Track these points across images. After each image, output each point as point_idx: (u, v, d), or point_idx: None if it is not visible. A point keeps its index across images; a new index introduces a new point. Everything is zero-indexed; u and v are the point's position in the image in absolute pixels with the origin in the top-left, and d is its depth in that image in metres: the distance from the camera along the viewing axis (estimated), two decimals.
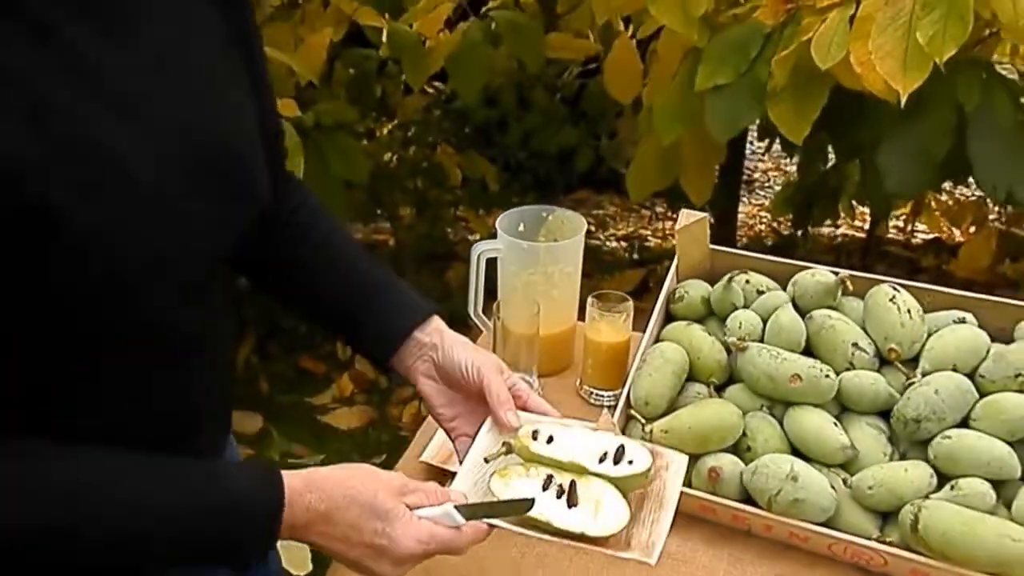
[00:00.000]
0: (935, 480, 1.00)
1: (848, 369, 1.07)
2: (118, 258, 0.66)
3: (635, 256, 3.47)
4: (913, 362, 1.07)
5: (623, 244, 3.63)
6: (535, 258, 1.17)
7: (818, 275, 1.11)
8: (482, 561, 0.98)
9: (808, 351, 1.10)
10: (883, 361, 1.09)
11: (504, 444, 0.87)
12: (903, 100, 1.44)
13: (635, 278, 3.20)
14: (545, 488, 0.82)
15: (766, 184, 4.66)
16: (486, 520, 0.80)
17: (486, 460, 0.87)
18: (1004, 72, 1.89)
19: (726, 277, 1.14)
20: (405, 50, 1.89)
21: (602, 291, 1.20)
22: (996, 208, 3.52)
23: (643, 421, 1.09)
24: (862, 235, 3.70)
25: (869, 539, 0.98)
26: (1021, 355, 1.00)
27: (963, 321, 1.08)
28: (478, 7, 2.17)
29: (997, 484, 0.98)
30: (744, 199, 4.51)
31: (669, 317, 1.19)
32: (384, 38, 1.95)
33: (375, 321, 0.94)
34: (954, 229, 3.69)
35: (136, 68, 0.68)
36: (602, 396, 1.23)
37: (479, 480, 0.85)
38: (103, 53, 0.66)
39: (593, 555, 0.81)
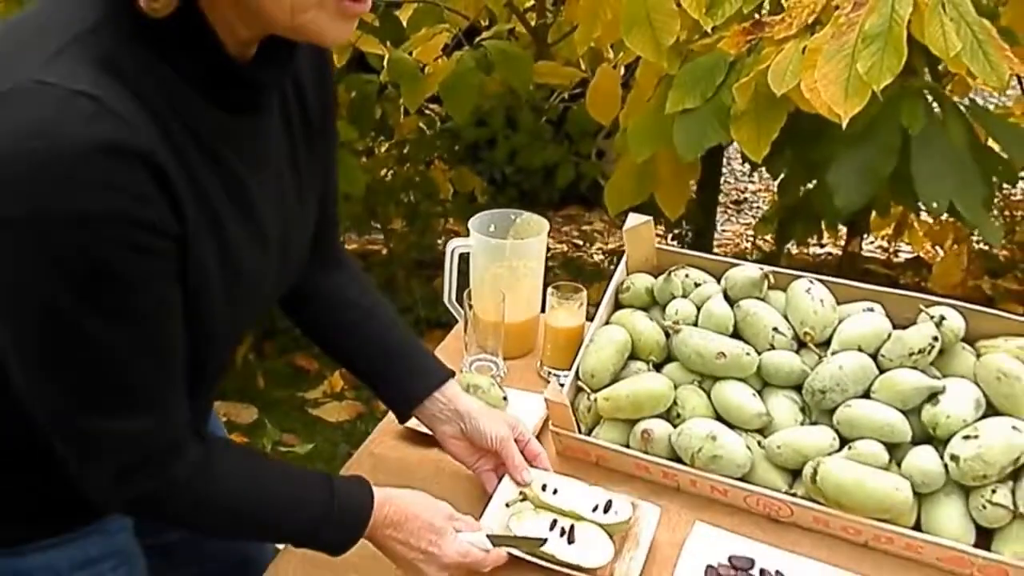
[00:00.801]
0: (837, 442, 1.15)
1: (769, 350, 1.23)
2: (230, 319, 0.91)
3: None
4: (826, 345, 1.23)
5: (609, 257, 3.80)
6: (501, 254, 1.35)
7: (746, 270, 1.27)
8: None
9: (737, 335, 1.26)
10: (801, 344, 1.25)
11: (521, 494, 1.14)
12: (844, 123, 1.60)
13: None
14: (551, 528, 1.10)
15: (755, 204, 4.83)
16: (507, 549, 1.06)
17: (507, 505, 1.14)
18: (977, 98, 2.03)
19: (668, 271, 1.30)
20: (404, 75, 2.07)
21: (560, 282, 1.37)
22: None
23: (589, 391, 1.25)
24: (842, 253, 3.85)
25: (779, 492, 1.14)
26: (915, 337, 1.16)
27: (871, 311, 1.24)
28: (473, 36, 2.37)
29: (892, 448, 1.14)
30: (733, 219, 4.68)
31: (619, 306, 1.36)
32: (385, 64, 2.13)
33: (398, 383, 1.18)
34: (937, 248, 3.84)
35: (264, 191, 0.91)
36: (558, 375, 1.40)
37: (501, 520, 1.12)
38: (247, 177, 0.88)
39: None
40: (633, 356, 1.29)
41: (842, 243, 3.95)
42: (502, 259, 1.35)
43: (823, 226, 3.25)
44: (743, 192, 4.91)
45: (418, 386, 1.17)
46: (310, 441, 2.72)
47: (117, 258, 0.74)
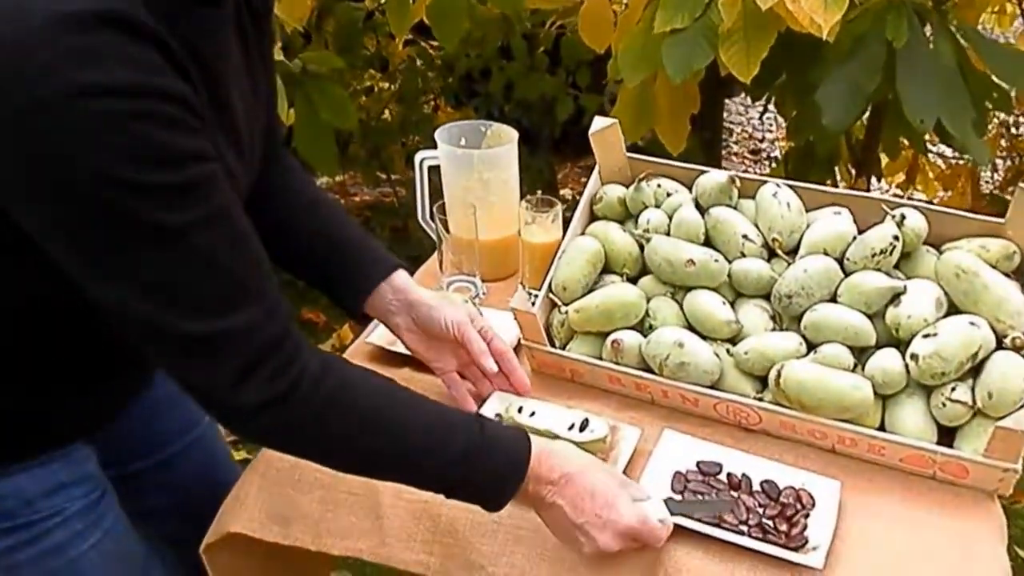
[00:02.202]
0: (804, 347, 1.15)
1: (740, 257, 1.23)
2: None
3: None
4: (796, 252, 1.23)
5: None
6: (469, 165, 1.34)
7: (714, 176, 1.26)
8: None
9: (709, 244, 1.26)
10: (772, 253, 1.24)
11: (497, 415, 1.14)
12: (825, 34, 1.58)
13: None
14: None
15: (772, 154, 4.77)
16: (685, 521, 1.00)
17: None
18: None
19: (637, 179, 1.30)
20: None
21: (533, 196, 1.37)
22: (988, 173, 3.60)
23: (561, 304, 1.25)
24: None
25: (747, 398, 1.15)
26: (876, 237, 1.15)
27: (838, 215, 1.23)
28: None
29: (859, 352, 1.14)
30: (751, 170, 4.62)
31: (594, 218, 1.35)
32: None
33: (344, 277, 1.12)
34: (949, 193, 3.77)
35: (234, 87, 0.91)
36: (537, 295, 1.39)
37: None
38: (221, 72, 0.87)
39: None
40: (608, 270, 1.29)
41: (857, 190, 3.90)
42: (471, 171, 1.35)
43: (837, 171, 3.21)
44: (760, 142, 4.84)
45: (365, 277, 1.12)
46: None
47: (161, 136, 0.74)
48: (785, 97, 2.65)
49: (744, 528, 1.02)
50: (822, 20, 1.54)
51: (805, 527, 1.02)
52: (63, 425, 1.02)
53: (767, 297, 1.22)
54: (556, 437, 1.10)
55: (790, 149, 3.28)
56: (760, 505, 1.05)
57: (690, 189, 1.30)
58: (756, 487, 1.08)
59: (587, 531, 0.94)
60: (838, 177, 3.29)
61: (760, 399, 1.15)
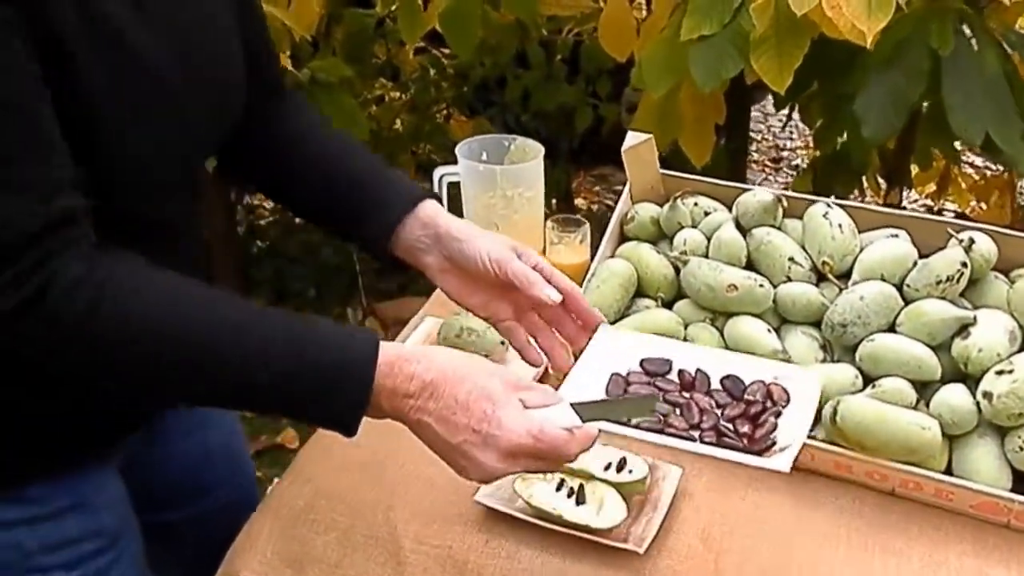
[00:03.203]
0: (860, 380, 1.05)
1: (785, 282, 1.13)
2: (137, 135, 0.76)
3: None
4: (847, 277, 1.13)
5: None
6: (492, 181, 1.25)
7: (759, 195, 1.17)
8: None
9: (751, 267, 1.16)
10: (821, 277, 1.14)
11: None
12: (869, 41, 1.48)
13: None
14: (558, 489, 0.98)
15: (793, 162, 4.67)
16: (601, 424, 0.79)
17: None
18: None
19: (673, 197, 1.20)
20: (401, 7, 1.96)
21: (560, 216, 1.27)
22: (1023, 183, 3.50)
23: None
24: None
25: None
26: (942, 263, 1.05)
27: (896, 237, 1.13)
28: None
29: (918, 386, 1.04)
30: (771, 178, 4.53)
31: (624, 239, 1.26)
32: None
33: (366, 215, 0.95)
34: (982, 204, 3.67)
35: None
36: None
37: (503, 483, 0.97)
38: None
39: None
40: (640, 294, 1.20)
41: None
42: (494, 188, 1.25)
43: (864, 180, 3.11)
44: (781, 150, 4.75)
45: (389, 213, 0.94)
46: None
47: None
48: (811, 105, 2.57)
49: (695, 433, 0.85)
50: (865, 27, 1.44)
51: (774, 427, 0.85)
52: (70, 439, 0.90)
53: (815, 324, 1.12)
54: (592, 478, 1.00)
55: (815, 158, 3.19)
56: (719, 405, 0.88)
57: (729, 208, 1.21)
58: (715, 385, 0.91)
59: (466, 452, 0.75)
60: (865, 187, 3.21)
61: (812, 436, 1.05)
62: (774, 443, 0.83)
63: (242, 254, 2.86)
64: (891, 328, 1.07)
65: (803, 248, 1.15)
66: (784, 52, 1.73)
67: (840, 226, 1.12)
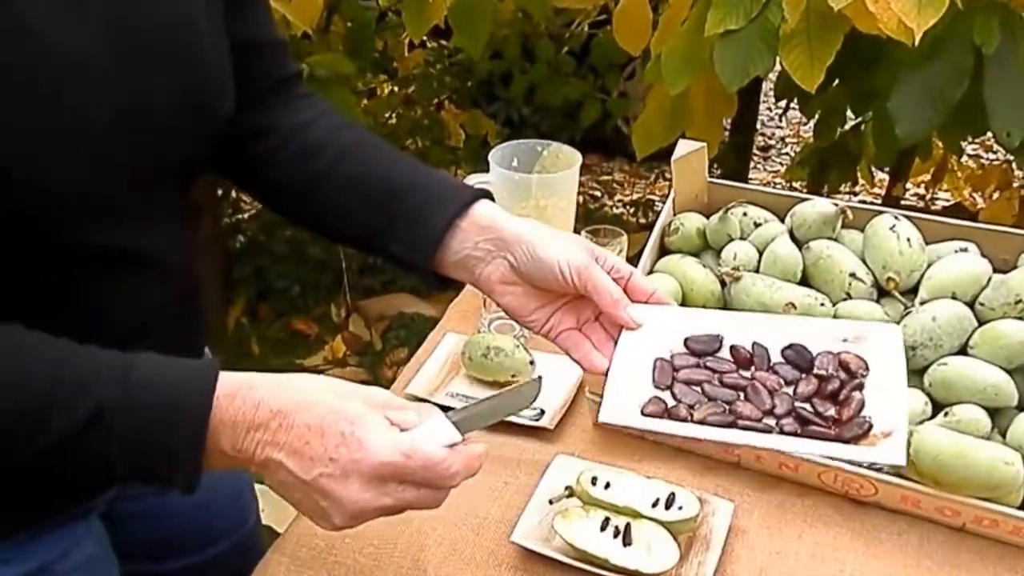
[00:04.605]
0: (930, 407, 0.98)
1: (846, 299, 1.05)
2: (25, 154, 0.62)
3: (641, 220, 3.49)
4: (913, 293, 1.05)
5: (630, 209, 3.62)
6: (527, 191, 1.16)
7: (818, 205, 1.09)
8: None
9: (805, 283, 1.08)
10: (882, 292, 1.07)
11: (567, 488, 0.94)
12: (917, 39, 1.40)
13: (641, 240, 3.20)
14: (603, 529, 0.90)
15: (783, 152, 4.62)
16: (473, 441, 0.67)
17: (550, 502, 0.94)
18: None
19: (723, 208, 1.12)
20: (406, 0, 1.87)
21: (596, 226, 1.19)
22: (1022, 174, 3.46)
23: None
24: (879, 201, 3.66)
25: (860, 466, 0.97)
26: (1022, 281, 0.98)
27: (965, 251, 1.06)
28: None
29: (993, 413, 0.97)
30: (760, 166, 4.48)
31: (665, 252, 1.18)
32: None
33: (409, 225, 0.80)
34: (976, 195, 3.63)
35: None
36: None
37: (543, 519, 0.92)
38: None
39: None
40: None
41: (877, 191, 3.75)
42: (528, 198, 1.17)
43: (858, 172, 3.07)
44: (770, 138, 4.69)
45: (436, 217, 0.79)
46: None
47: None
48: (812, 98, 2.50)
49: (770, 422, 0.72)
50: (915, 24, 1.36)
51: (862, 404, 0.72)
52: (20, 501, 0.77)
53: None
54: (639, 516, 0.92)
55: (810, 148, 3.14)
56: (787, 383, 0.75)
57: (781, 219, 1.13)
58: (776, 358, 0.78)
59: (324, 489, 0.61)
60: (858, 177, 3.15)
61: (878, 468, 0.97)
62: (870, 426, 0.70)
63: (223, 251, 2.75)
64: (963, 350, 1.00)
65: (863, 262, 1.07)
66: (815, 47, 1.65)
67: (908, 240, 1.04)
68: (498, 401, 0.71)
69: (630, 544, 0.89)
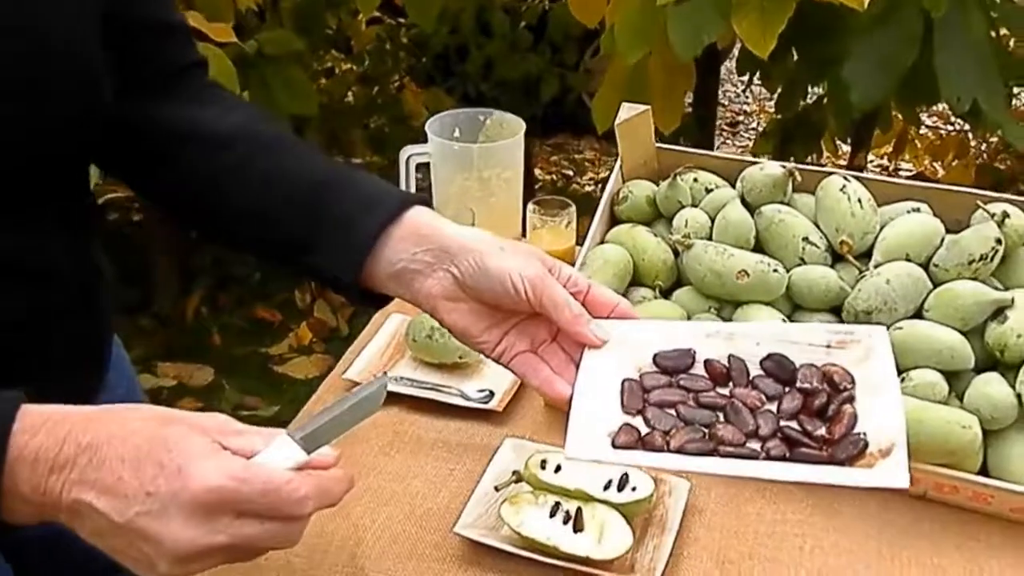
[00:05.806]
0: None
1: (799, 265, 1.02)
2: None
3: None
4: (867, 257, 1.03)
5: (601, 187, 3.60)
6: (468, 161, 1.12)
7: (767, 168, 1.06)
8: None
9: (759, 249, 1.05)
10: (837, 258, 1.04)
11: (514, 473, 0.91)
12: (866, 3, 1.38)
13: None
14: (552, 515, 0.87)
15: (751, 127, 4.62)
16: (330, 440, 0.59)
17: (496, 488, 0.91)
18: None
19: (673, 174, 1.09)
20: None
21: (542, 197, 1.15)
22: (977, 143, 3.50)
23: None
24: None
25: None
26: (975, 240, 0.95)
27: (918, 211, 1.03)
28: None
29: (950, 376, 0.94)
30: (729, 142, 4.48)
31: (616, 221, 1.14)
32: None
33: (334, 232, 0.71)
34: (936, 165, 3.67)
35: None
36: None
37: (490, 507, 0.90)
38: None
39: None
40: (636, 282, 1.08)
41: (842, 162, 3.76)
42: (470, 168, 1.13)
43: (822, 143, 3.07)
44: (737, 115, 4.70)
45: (366, 222, 0.69)
46: (275, 403, 2.47)
47: None
48: (774, 70, 2.48)
49: (755, 446, 0.65)
50: None
51: (854, 419, 0.64)
52: None
53: (833, 311, 1.01)
54: (590, 499, 0.88)
55: (775, 121, 3.13)
56: (769, 398, 0.67)
57: (731, 184, 1.10)
58: (755, 371, 0.70)
59: (143, 530, 0.52)
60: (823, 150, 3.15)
61: None
62: (865, 444, 0.62)
63: (178, 240, 2.69)
64: (918, 313, 0.97)
65: (817, 226, 1.04)
66: (767, 14, 1.63)
67: (860, 201, 1.01)
68: (343, 410, 0.61)
69: (581, 530, 0.85)
